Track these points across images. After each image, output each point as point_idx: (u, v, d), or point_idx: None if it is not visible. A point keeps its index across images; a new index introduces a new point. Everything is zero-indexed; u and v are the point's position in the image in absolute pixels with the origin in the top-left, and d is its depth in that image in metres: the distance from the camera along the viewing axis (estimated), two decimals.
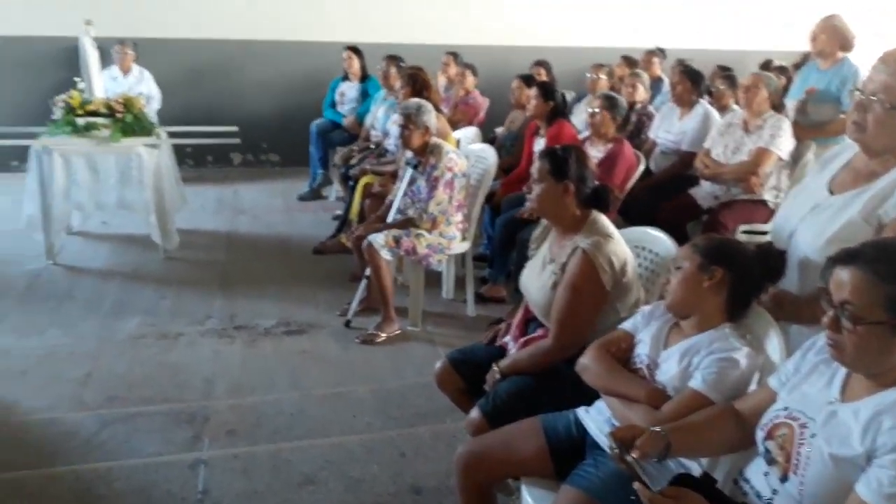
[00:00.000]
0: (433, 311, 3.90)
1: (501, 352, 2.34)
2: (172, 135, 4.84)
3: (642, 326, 1.89)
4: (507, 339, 2.37)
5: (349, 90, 6.10)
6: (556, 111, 4.22)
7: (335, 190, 5.93)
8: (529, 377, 2.13)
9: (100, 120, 4.34)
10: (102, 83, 4.96)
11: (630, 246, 2.21)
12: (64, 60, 6.16)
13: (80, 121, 4.31)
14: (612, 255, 2.07)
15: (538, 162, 2.21)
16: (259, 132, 6.69)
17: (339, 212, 5.11)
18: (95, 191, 4.38)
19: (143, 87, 6.09)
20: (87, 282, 4.18)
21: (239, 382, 3.12)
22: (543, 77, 5.68)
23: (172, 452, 2.61)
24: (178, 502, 2.36)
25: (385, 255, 3.52)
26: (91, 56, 4.56)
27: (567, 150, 2.21)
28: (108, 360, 3.26)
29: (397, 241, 3.54)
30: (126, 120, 4.41)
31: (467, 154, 3.95)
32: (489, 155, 3.92)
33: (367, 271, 3.68)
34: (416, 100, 3.79)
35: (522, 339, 2.28)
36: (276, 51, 6.99)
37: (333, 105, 6.16)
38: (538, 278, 2.23)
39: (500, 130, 5.56)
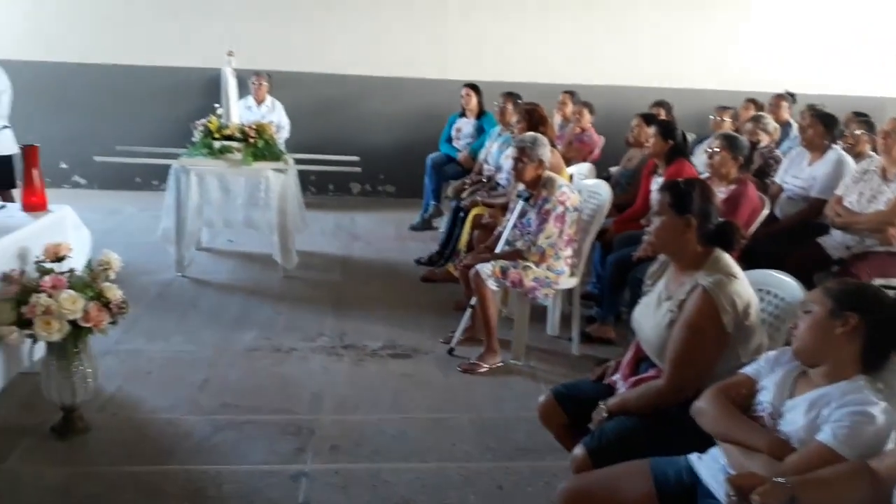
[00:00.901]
0: (537, 346, 3.85)
1: (609, 390, 2.27)
2: (299, 162, 5.10)
3: (766, 372, 1.79)
4: (616, 377, 2.29)
5: (465, 126, 6.23)
6: (676, 150, 4.12)
7: (445, 221, 6.01)
8: (638, 418, 2.05)
9: (234, 144, 4.65)
10: (238, 111, 5.31)
11: (753, 288, 2.10)
12: (205, 89, 6.69)
13: (216, 144, 4.63)
14: (736, 295, 1.97)
15: (659, 194, 2.16)
16: (377, 164, 6.93)
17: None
18: (225, 209, 4.68)
19: (275, 117, 6.46)
20: (211, 294, 4.44)
21: (344, 400, 3.19)
22: (663, 117, 5.56)
23: (277, 462, 2.69)
24: None
25: (491, 285, 3.53)
26: (230, 85, 4.91)
27: (691, 184, 2.15)
28: (224, 368, 3.43)
29: (504, 272, 3.54)
30: (258, 145, 4.70)
31: (581, 189, 3.91)
32: (603, 191, 3.87)
33: (473, 301, 3.69)
34: (531, 133, 3.81)
35: (633, 379, 2.20)
36: (398, 87, 7.26)
37: (449, 140, 6.30)
38: (653, 316, 2.16)
39: (614, 169, 5.49)
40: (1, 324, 2.48)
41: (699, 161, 4.82)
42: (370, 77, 7.19)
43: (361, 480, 2.60)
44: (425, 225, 6.23)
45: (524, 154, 3.59)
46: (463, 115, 6.28)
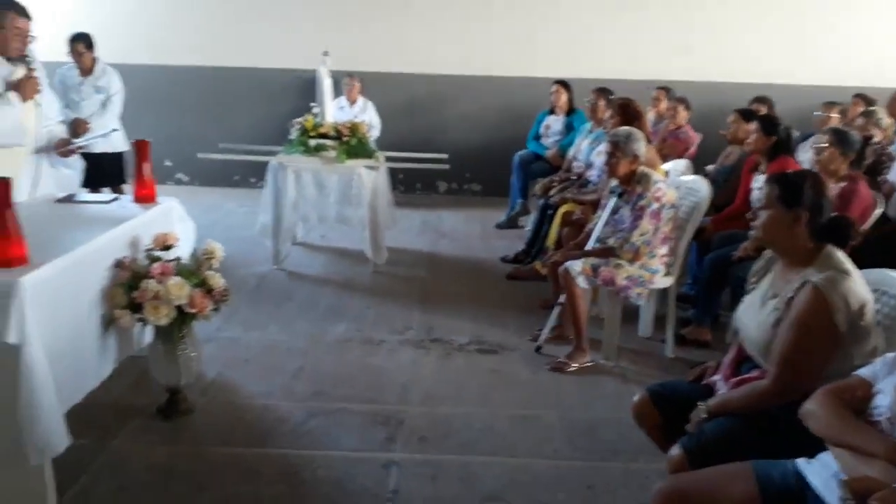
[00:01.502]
0: (628, 347, 3.76)
1: (707, 391, 2.18)
2: (389, 160, 5.19)
3: (883, 375, 1.67)
4: (717, 378, 2.20)
5: (555, 123, 6.16)
6: (780, 146, 3.92)
7: (532, 220, 5.97)
8: (739, 419, 1.96)
9: (328, 142, 4.78)
10: (332, 111, 5.46)
11: (869, 288, 1.97)
12: (301, 90, 6.91)
13: (312, 142, 4.78)
14: (849, 293, 1.86)
15: (766, 186, 2.05)
16: (464, 162, 6.96)
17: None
18: (319, 205, 4.82)
19: (366, 117, 6.59)
20: (304, 287, 4.58)
21: (432, 392, 3.22)
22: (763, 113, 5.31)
23: (368, 450, 2.74)
24: (371, 498, 2.47)
25: (581, 283, 3.47)
26: (326, 85, 5.06)
27: (801, 176, 2.03)
28: (317, 357, 3.53)
29: (595, 269, 3.47)
30: (351, 143, 4.81)
31: (678, 185, 3.78)
32: (702, 188, 3.72)
33: (561, 298, 3.64)
34: (625, 128, 3.71)
35: (734, 380, 2.11)
36: (486, 85, 7.27)
37: (538, 137, 6.25)
38: (757, 314, 2.06)
39: (710, 168, 5.28)
40: (114, 307, 2.63)
41: (804, 158, 4.59)
42: (458, 76, 7.23)
43: (450, 472, 2.61)
44: (511, 223, 6.20)
45: (618, 149, 3.51)
46: (552, 112, 6.21)
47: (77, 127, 5.06)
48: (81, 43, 5.13)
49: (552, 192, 5.06)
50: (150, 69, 6.93)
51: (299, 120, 4.94)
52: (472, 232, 6.12)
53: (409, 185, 7.42)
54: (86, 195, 3.21)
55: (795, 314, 1.90)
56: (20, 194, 2.70)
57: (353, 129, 4.88)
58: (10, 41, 2.96)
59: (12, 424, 2.13)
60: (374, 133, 6.62)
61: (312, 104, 5.11)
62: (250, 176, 7.25)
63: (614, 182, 3.67)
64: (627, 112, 4.32)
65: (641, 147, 3.56)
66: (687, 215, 3.73)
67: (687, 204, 3.76)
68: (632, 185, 3.54)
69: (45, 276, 2.24)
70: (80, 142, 3.32)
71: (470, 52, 7.19)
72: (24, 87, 3.00)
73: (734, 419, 1.97)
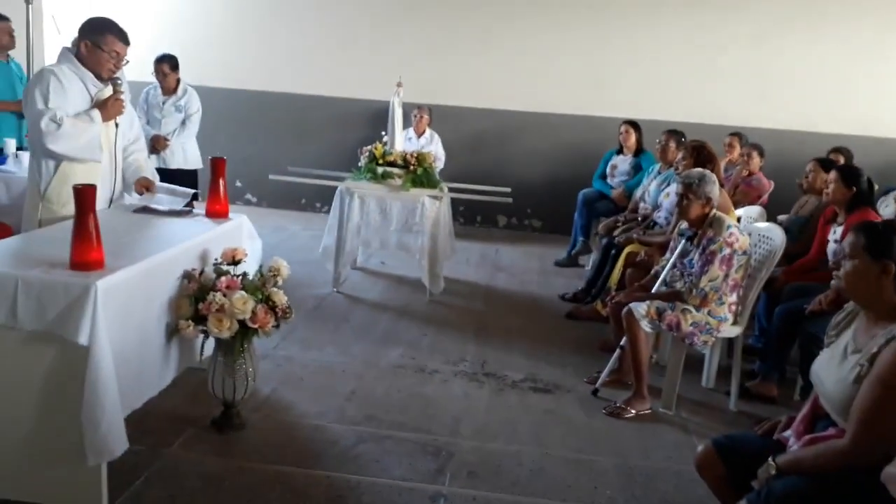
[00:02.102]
0: (689, 397, 3.62)
1: (778, 446, 2.07)
2: (453, 190, 5.21)
3: None
4: (788, 433, 2.09)
5: (622, 163, 6.10)
6: (860, 198, 3.76)
7: (593, 259, 5.88)
8: (811, 480, 1.84)
9: (395, 170, 4.84)
10: (401, 141, 5.53)
11: None
12: (369, 120, 7.07)
13: (380, 169, 4.85)
14: None
15: (852, 235, 1.95)
16: (526, 198, 6.93)
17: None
18: (382, 231, 4.87)
19: (433, 148, 6.66)
20: (362, 311, 4.60)
21: (483, 426, 3.16)
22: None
23: (416, 480, 2.70)
24: None
25: (645, 326, 3.37)
26: (397, 115, 5.14)
27: (890, 226, 1.93)
28: (371, 382, 3.52)
29: (660, 313, 3.37)
30: (417, 172, 4.86)
31: (751, 232, 3.66)
32: (776, 235, 3.59)
33: (623, 341, 3.54)
34: (699, 169, 3.63)
35: (808, 437, 1.99)
36: (552, 122, 7.27)
37: (603, 176, 6.19)
38: (837, 370, 1.95)
39: (783, 217, 5.11)
40: (180, 317, 2.69)
41: (887, 213, 4.40)
42: (526, 112, 7.26)
43: None
44: (571, 261, 6.12)
45: (690, 191, 3.42)
46: (620, 152, 6.15)
47: (157, 143, 5.33)
48: (167, 64, 5.39)
49: (616, 231, 4.98)
50: (228, 92, 7.20)
51: (368, 147, 5.03)
52: (530, 267, 6.06)
53: (470, 218, 7.44)
54: (161, 203, 3.27)
55: (879, 371, 1.78)
56: (98, 203, 2.80)
57: (421, 158, 4.94)
58: (105, 63, 3.08)
59: (74, 424, 2.19)
60: (438, 165, 6.66)
61: (383, 133, 5.20)
62: (316, 200, 7.41)
63: (684, 224, 3.58)
64: (701, 155, 4.23)
65: (715, 190, 3.47)
66: (759, 264, 3.60)
67: (760, 252, 3.63)
68: (703, 228, 3.44)
69: (119, 281, 2.31)
70: (152, 203, 3.28)
71: (539, 89, 7.22)
72: (108, 108, 3.09)
73: (806, 479, 1.85)
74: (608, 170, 6.16)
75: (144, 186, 3.31)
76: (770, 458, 1.95)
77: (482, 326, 4.47)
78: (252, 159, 7.17)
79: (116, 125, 3.21)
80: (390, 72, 6.36)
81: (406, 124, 6.59)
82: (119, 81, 3.17)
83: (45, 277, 2.20)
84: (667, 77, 7.06)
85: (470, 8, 7.19)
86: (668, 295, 3.46)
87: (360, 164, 5.05)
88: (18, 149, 4.27)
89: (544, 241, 6.98)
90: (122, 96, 3.17)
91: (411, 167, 4.85)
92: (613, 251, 4.71)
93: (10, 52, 4.78)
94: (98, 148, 3.08)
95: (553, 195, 7.17)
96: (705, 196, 3.41)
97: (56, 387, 2.23)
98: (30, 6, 4.72)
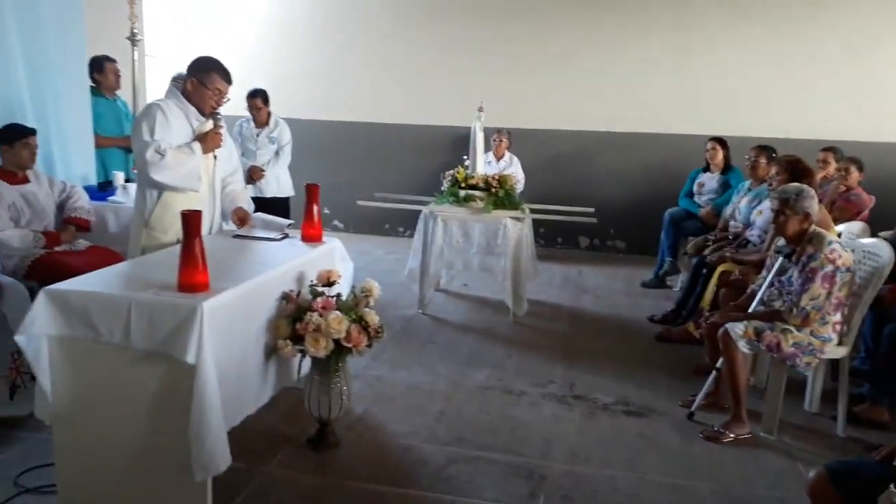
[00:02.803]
0: (791, 421, 3.44)
1: None
2: (534, 211, 5.20)
3: None
4: None
5: (709, 181, 5.93)
6: None
7: (682, 280, 5.72)
8: None
9: (477, 193, 4.88)
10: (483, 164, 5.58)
11: None
12: (450, 146, 7.17)
13: (462, 192, 4.90)
14: None
15: None
16: (609, 218, 6.83)
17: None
18: (465, 254, 4.91)
19: (512, 171, 6.68)
20: (446, 332, 4.63)
21: (575, 450, 3.10)
22: None
23: (509, 503, 2.67)
24: None
25: (742, 347, 3.24)
26: (479, 138, 5.20)
27: None
28: (459, 402, 3.53)
29: (759, 333, 3.24)
30: (498, 195, 4.88)
31: (855, 248, 3.48)
32: (883, 251, 3.39)
33: (719, 364, 3.41)
34: (795, 184, 3.49)
35: None
36: (634, 142, 7.16)
37: (690, 195, 6.03)
38: None
39: (886, 234, 4.82)
40: (278, 337, 2.78)
41: None
42: (607, 132, 7.19)
43: None
44: (659, 282, 5.97)
45: (787, 206, 3.29)
46: (706, 169, 5.99)
47: (254, 174, 5.58)
48: (259, 98, 5.67)
49: (707, 251, 4.83)
50: (314, 124, 7.46)
51: (451, 172, 5.10)
52: (615, 289, 5.95)
53: (551, 240, 7.38)
54: (259, 231, 3.41)
55: None
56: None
57: (502, 181, 4.96)
58: (208, 99, 3.26)
59: (181, 440, 2.28)
60: (517, 188, 6.68)
61: (464, 157, 5.26)
62: (399, 225, 7.55)
63: (781, 241, 3.44)
64: (796, 170, 4.08)
65: (814, 205, 3.32)
66: (864, 282, 3.40)
67: (865, 269, 3.43)
68: (802, 245, 3.29)
69: (222, 302, 2.41)
70: (244, 232, 3.40)
71: (620, 108, 7.15)
72: (208, 141, 3.27)
73: None
74: (695, 188, 6.00)
75: (240, 217, 3.46)
76: (892, 485, 1.83)
77: (568, 348, 4.41)
78: (338, 187, 7.37)
79: (215, 157, 3.38)
80: (469, 98, 6.44)
81: (486, 148, 6.64)
82: (219, 116, 3.34)
83: (155, 299, 2.33)
84: (754, 92, 6.85)
85: (547, 31, 7.22)
86: (767, 315, 3.32)
87: (442, 189, 5.12)
88: (126, 181, 4.55)
89: (629, 262, 6.85)
90: (221, 131, 3.34)
91: (493, 189, 4.88)
92: (705, 271, 4.56)
93: (117, 91, 5.12)
94: (197, 178, 3.25)
95: (637, 215, 7.04)
96: (803, 211, 3.27)
97: (165, 404, 2.34)
98: (135, 48, 5.05)
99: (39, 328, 2.33)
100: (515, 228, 4.85)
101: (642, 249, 6.90)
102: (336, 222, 7.79)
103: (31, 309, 2.34)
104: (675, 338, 4.54)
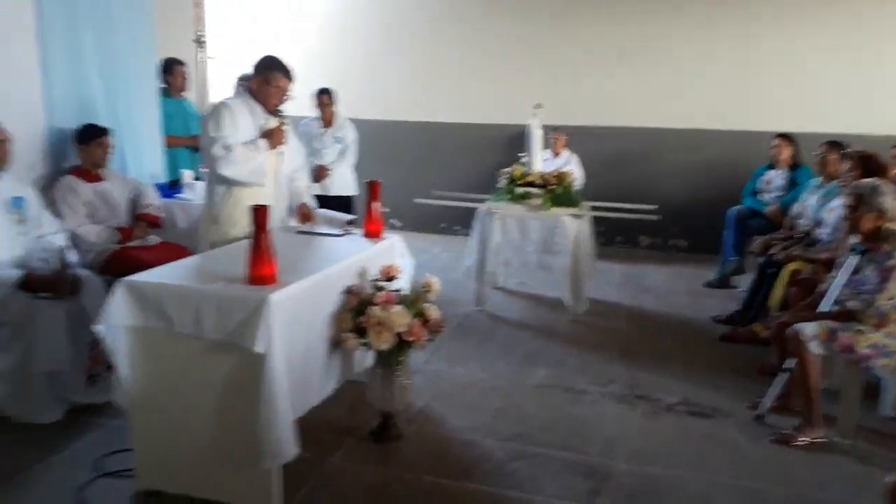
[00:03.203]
0: (867, 425, 3.30)
1: None
2: (594, 208, 5.14)
3: None
4: None
5: (776, 178, 5.74)
6: None
7: (748, 279, 5.55)
8: None
9: (534, 190, 4.85)
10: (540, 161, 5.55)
11: None
12: (507, 144, 7.14)
13: (519, 189, 4.88)
14: None
15: None
16: (670, 217, 6.68)
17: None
18: (522, 251, 4.89)
19: (570, 169, 6.61)
20: (504, 329, 4.62)
21: (639, 449, 3.05)
22: None
23: (572, 500, 2.65)
24: None
25: (814, 348, 3.13)
26: (536, 136, 5.17)
27: None
28: (518, 399, 3.51)
29: (832, 334, 3.12)
30: (556, 192, 4.84)
31: None
32: None
33: (787, 364, 3.30)
34: (869, 180, 3.35)
35: None
36: (697, 139, 7.00)
37: (755, 193, 5.85)
38: None
39: None
40: (342, 330, 2.82)
41: None
42: (667, 129, 7.05)
43: None
44: (723, 281, 5.81)
45: (861, 202, 3.16)
46: (772, 166, 5.80)
47: (319, 173, 5.68)
48: (326, 95, 5.80)
49: (773, 249, 4.68)
50: (372, 123, 7.53)
51: (508, 169, 5.08)
52: (677, 288, 5.83)
53: (609, 238, 7.27)
54: (322, 227, 3.48)
55: None
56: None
57: (560, 177, 4.92)
58: (272, 97, 3.36)
59: (250, 428, 2.34)
60: (576, 185, 6.61)
61: (521, 154, 5.23)
62: (455, 224, 7.56)
63: (855, 239, 3.31)
64: (869, 165, 3.92)
65: (888, 201, 3.18)
66: None
67: None
68: (877, 242, 3.16)
69: (289, 295, 2.46)
70: (308, 228, 3.50)
71: (680, 104, 6.99)
72: (273, 137, 3.36)
73: None
74: (761, 185, 5.82)
75: (304, 213, 3.54)
76: None
77: (629, 348, 4.34)
78: (396, 186, 7.38)
79: (281, 153, 3.46)
80: (527, 96, 6.41)
81: (544, 146, 6.59)
82: (282, 113, 3.42)
83: (225, 291, 2.40)
84: (821, 86, 6.60)
85: (606, 27, 7.12)
86: (841, 314, 3.20)
87: (499, 186, 5.10)
88: (194, 179, 4.70)
89: (691, 262, 6.69)
90: (285, 127, 3.42)
91: (550, 186, 4.84)
92: (772, 270, 4.43)
93: (184, 93, 5.28)
94: (263, 174, 3.34)
95: (699, 214, 6.88)
96: (878, 208, 3.15)
97: (235, 392, 2.40)
98: (199, 50, 5.21)
99: (117, 318, 2.42)
100: (574, 226, 4.80)
101: (705, 248, 6.73)
102: (393, 221, 7.86)
103: (110, 300, 2.44)
104: (741, 338, 4.41)
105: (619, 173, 7.13)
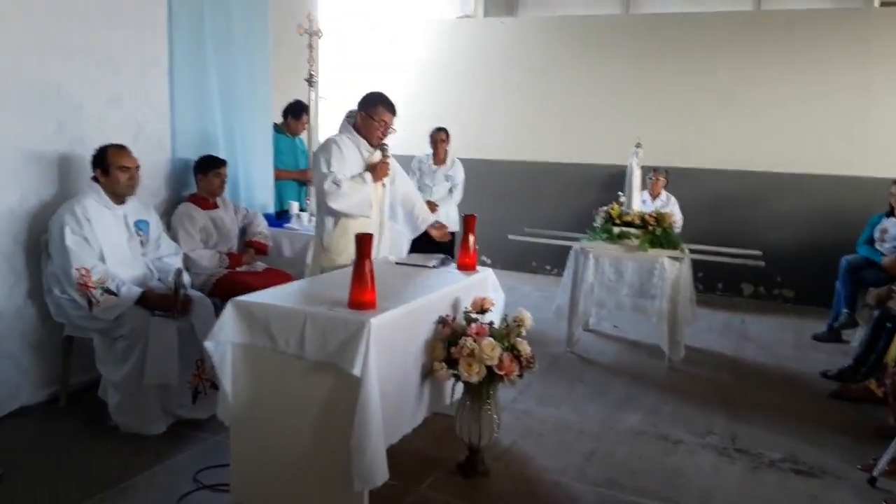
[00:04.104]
0: None
1: None
2: (695, 252, 4.99)
3: None
4: None
5: (893, 227, 5.40)
6: None
7: (861, 333, 5.20)
8: None
9: (632, 230, 4.76)
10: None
11: None
12: (602, 184, 7.08)
13: (616, 229, 4.80)
14: None
15: None
16: (776, 265, 6.39)
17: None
18: (616, 293, 4.80)
19: (669, 210, 6.46)
20: (595, 372, 4.52)
21: None
22: None
23: None
24: None
25: None
26: (636, 175, 5.10)
27: None
28: (610, 444, 3.41)
29: None
30: (655, 233, 4.74)
31: None
32: None
33: None
34: None
35: None
36: (804, 183, 6.71)
37: (870, 242, 5.52)
38: None
39: None
40: (434, 359, 2.85)
41: None
42: (773, 173, 6.80)
43: None
44: (834, 335, 5.47)
45: None
46: (890, 214, 5.46)
47: (428, 208, 5.84)
48: (443, 133, 6.02)
49: (891, 302, 4.37)
50: (470, 162, 7.65)
51: (604, 208, 5.02)
52: (783, 340, 5.53)
53: (710, 285, 7.02)
54: (417, 259, 3.58)
55: None
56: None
57: (660, 218, 4.81)
58: (375, 130, 3.51)
59: (342, 450, 2.38)
60: (675, 228, 6.44)
61: (619, 193, 5.17)
62: (546, 263, 7.53)
63: None
64: None
65: None
66: None
67: None
68: None
69: (387, 320, 2.52)
70: (404, 260, 3.64)
71: (788, 147, 6.75)
72: (378, 170, 3.51)
73: None
74: (876, 234, 5.49)
75: (439, 229, 3.87)
76: None
77: (730, 399, 4.14)
78: (488, 223, 7.43)
79: (384, 185, 3.59)
80: (624, 137, 6.38)
81: (642, 187, 6.49)
82: (386, 147, 3.56)
83: (328, 314, 2.48)
84: None
85: (709, 68, 7.00)
86: None
87: (595, 225, 5.05)
88: (300, 210, 4.92)
89: (798, 313, 6.36)
90: (389, 160, 3.55)
91: (650, 227, 4.74)
92: (889, 324, 4.14)
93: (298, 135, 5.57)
94: (368, 205, 3.47)
95: (807, 263, 6.55)
96: None
97: (331, 414, 2.46)
98: (311, 89, 5.48)
99: (226, 335, 2.55)
100: (673, 269, 4.67)
101: (813, 300, 6.39)
102: (485, 258, 7.90)
103: (220, 318, 2.57)
104: (853, 395, 4.12)
105: (719, 217, 6.91)
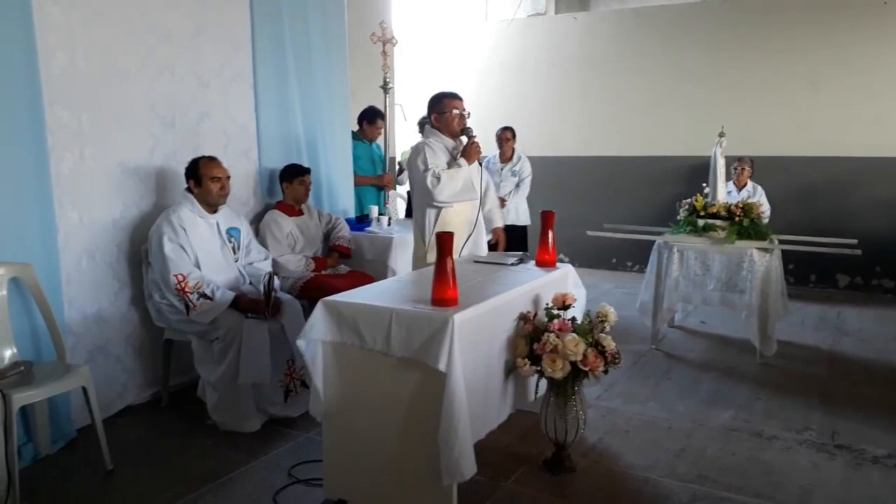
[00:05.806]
0: None
1: None
2: (785, 242, 4.80)
3: None
4: None
5: None
6: None
7: None
8: None
9: (718, 222, 4.62)
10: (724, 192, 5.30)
11: None
12: (684, 176, 6.90)
13: (701, 221, 4.67)
14: None
15: None
16: (873, 254, 6.07)
17: None
18: (703, 287, 4.66)
19: (755, 201, 6.22)
20: (683, 369, 4.41)
21: (841, 502, 2.76)
22: None
23: None
24: None
25: None
26: (720, 164, 4.95)
27: None
28: (700, 441, 3.33)
29: None
30: (743, 224, 4.58)
31: None
32: None
33: None
34: None
35: None
36: None
37: None
38: None
39: None
40: (517, 356, 2.86)
41: None
42: (868, 158, 6.45)
43: None
44: None
45: None
46: None
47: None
48: (509, 131, 6.23)
49: None
50: (545, 160, 7.64)
51: (688, 200, 4.89)
52: (885, 333, 5.24)
53: (801, 277, 6.72)
54: (496, 257, 3.60)
55: None
56: (461, 239, 3.42)
57: (747, 208, 4.65)
58: (451, 120, 3.64)
59: (430, 445, 2.43)
60: (763, 219, 6.20)
61: (703, 185, 5.03)
62: (627, 259, 7.40)
63: None
64: None
65: None
66: None
67: None
68: None
69: (470, 317, 2.55)
70: (484, 258, 3.68)
71: (881, 131, 6.39)
72: (470, 152, 3.62)
73: None
74: None
75: (497, 237, 3.97)
76: None
77: (827, 394, 3.96)
78: (566, 220, 7.36)
79: (480, 164, 3.70)
80: (705, 127, 6.21)
81: (727, 178, 6.29)
82: (470, 129, 3.64)
83: (413, 311, 2.53)
84: None
85: (793, 51, 6.72)
86: None
87: (678, 218, 4.92)
88: (379, 214, 5.03)
89: None
90: (476, 139, 3.61)
91: (736, 218, 4.59)
92: None
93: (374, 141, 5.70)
94: (472, 187, 3.58)
95: None
96: None
97: (418, 409, 2.51)
98: (387, 96, 5.59)
99: (316, 334, 2.65)
100: (762, 261, 4.50)
101: None
102: (562, 255, 7.82)
103: (311, 317, 2.67)
104: None
105: (810, 206, 6.62)
